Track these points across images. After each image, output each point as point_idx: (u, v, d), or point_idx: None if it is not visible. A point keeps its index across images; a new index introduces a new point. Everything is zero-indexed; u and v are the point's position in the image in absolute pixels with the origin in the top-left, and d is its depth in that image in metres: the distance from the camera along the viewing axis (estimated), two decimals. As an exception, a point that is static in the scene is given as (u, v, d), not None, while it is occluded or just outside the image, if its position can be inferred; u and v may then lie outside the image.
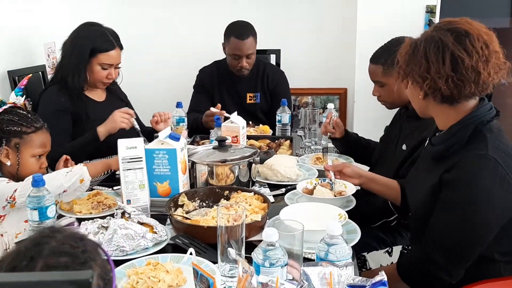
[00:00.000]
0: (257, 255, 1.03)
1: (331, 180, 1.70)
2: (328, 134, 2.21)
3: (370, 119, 3.04)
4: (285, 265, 1.03)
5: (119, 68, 2.22)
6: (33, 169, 1.65)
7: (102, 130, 2.04)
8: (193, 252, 1.01)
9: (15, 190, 1.46)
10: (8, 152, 1.57)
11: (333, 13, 3.35)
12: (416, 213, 1.45)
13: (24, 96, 1.69)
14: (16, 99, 1.67)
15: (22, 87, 1.74)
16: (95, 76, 2.15)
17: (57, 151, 1.94)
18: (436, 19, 2.83)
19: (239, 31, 2.63)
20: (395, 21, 2.87)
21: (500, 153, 1.27)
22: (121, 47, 2.19)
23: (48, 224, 1.31)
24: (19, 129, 1.58)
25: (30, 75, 1.97)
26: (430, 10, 2.91)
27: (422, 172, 1.47)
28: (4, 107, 1.60)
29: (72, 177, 1.53)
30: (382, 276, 0.95)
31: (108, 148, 1.98)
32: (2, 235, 1.52)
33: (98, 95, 2.26)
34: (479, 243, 1.29)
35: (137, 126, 2.10)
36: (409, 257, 1.43)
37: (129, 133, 2.05)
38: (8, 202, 1.47)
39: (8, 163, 1.57)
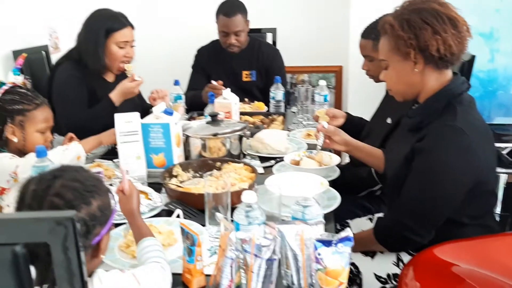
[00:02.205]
0: (237, 215, 1.14)
1: (316, 150, 1.80)
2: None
3: (364, 96, 3.11)
4: (262, 224, 1.14)
5: (134, 46, 2.27)
6: (38, 143, 1.75)
7: (116, 95, 2.10)
8: (181, 213, 1.12)
9: (17, 166, 1.54)
10: (13, 129, 1.63)
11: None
12: (391, 181, 1.56)
13: (22, 75, 1.76)
14: (14, 78, 1.74)
15: (19, 66, 1.80)
16: (113, 57, 2.19)
17: (73, 120, 2.02)
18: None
19: (227, 8, 2.73)
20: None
21: (467, 124, 1.36)
22: (132, 26, 2.26)
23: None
24: (21, 107, 1.63)
25: (25, 54, 2.04)
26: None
27: (398, 143, 1.57)
28: (5, 87, 1.66)
29: (69, 154, 1.63)
30: (348, 233, 1.06)
31: None
32: (8, 206, 1.63)
33: (109, 76, 2.33)
34: (445, 207, 1.39)
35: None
36: (384, 221, 1.54)
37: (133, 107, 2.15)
38: (12, 177, 1.55)
39: (15, 139, 1.64)
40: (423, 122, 1.43)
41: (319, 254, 1.05)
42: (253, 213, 1.14)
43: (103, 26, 2.17)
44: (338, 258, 1.05)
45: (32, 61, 2.44)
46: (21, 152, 1.66)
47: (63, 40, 2.85)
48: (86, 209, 0.95)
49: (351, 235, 1.06)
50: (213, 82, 2.58)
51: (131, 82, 2.13)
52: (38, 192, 0.94)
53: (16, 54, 2.38)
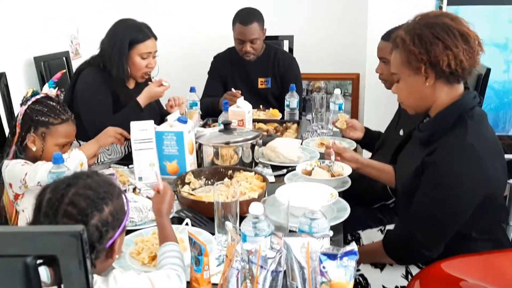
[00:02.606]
0: (244, 226, 1.16)
1: (330, 160, 1.81)
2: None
3: (380, 105, 3.11)
4: (269, 235, 1.16)
5: (156, 56, 2.30)
6: None
7: (143, 98, 2.19)
8: (189, 222, 1.15)
9: (26, 174, 1.57)
10: (34, 139, 1.67)
11: (346, -1, 3.42)
12: (401, 194, 1.56)
13: (57, 88, 1.80)
14: (49, 91, 1.78)
15: (56, 80, 1.84)
16: (136, 68, 2.23)
17: (98, 125, 2.01)
18: (444, 6, 2.87)
19: (243, 16, 2.77)
20: (406, 6, 2.93)
21: (478, 139, 1.36)
22: (155, 37, 2.29)
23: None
24: (47, 119, 1.66)
25: (64, 70, 2.12)
26: (441, -3, 2.95)
27: (409, 156, 1.58)
28: (37, 96, 1.69)
29: (73, 162, 1.66)
30: (353, 247, 1.08)
31: None
32: (23, 210, 1.66)
33: (130, 83, 2.36)
34: (454, 221, 1.39)
35: None
36: (393, 234, 1.55)
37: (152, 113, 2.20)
38: (22, 184, 1.59)
39: (34, 148, 1.67)
40: (433, 136, 1.44)
41: (324, 267, 1.06)
42: (260, 224, 1.16)
43: (127, 37, 2.20)
44: (343, 272, 1.06)
45: (53, 66, 2.52)
46: (36, 160, 1.70)
47: (83, 46, 2.93)
48: (98, 216, 0.99)
49: (356, 249, 1.07)
50: (233, 90, 2.62)
51: (158, 86, 2.20)
52: (52, 201, 0.99)
53: (38, 60, 2.45)
